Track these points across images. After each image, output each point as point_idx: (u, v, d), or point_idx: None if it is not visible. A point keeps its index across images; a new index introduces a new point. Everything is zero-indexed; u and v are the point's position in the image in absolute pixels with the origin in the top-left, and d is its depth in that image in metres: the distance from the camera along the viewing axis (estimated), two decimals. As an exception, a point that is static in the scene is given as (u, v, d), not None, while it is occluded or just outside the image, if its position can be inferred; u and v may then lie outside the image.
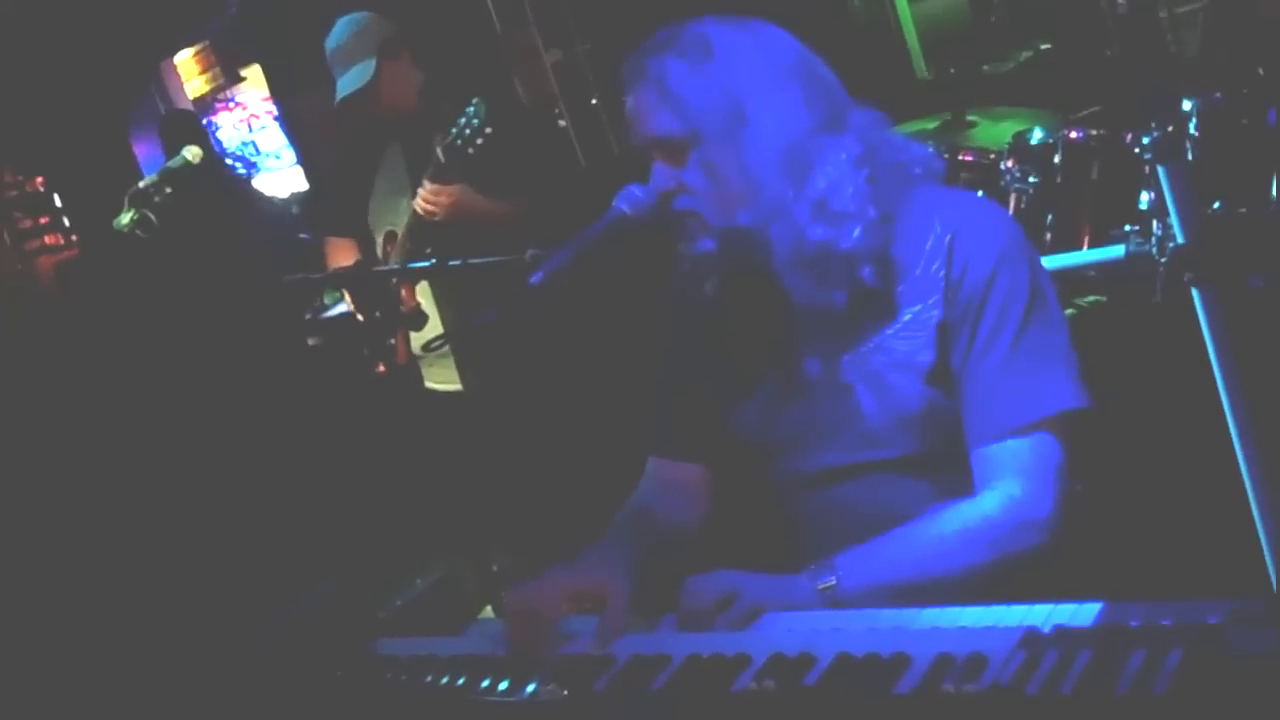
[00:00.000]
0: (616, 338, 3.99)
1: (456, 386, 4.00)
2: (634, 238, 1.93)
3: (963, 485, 1.82)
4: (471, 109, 3.48)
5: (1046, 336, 1.82)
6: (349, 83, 3.77)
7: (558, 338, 3.74)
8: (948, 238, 1.85)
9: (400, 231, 3.86)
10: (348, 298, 4.03)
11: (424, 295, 3.98)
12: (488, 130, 3.49)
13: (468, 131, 3.49)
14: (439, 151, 3.56)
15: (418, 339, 3.91)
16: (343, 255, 4.06)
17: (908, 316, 1.85)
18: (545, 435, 4.02)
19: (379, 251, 4.01)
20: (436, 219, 3.68)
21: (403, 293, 3.83)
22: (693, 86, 1.82)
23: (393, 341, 3.82)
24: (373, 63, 3.75)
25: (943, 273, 1.84)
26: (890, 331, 1.86)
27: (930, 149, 1.99)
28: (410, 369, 3.89)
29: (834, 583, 1.71)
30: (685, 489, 2.07)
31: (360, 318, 3.93)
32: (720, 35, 1.85)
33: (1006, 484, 1.78)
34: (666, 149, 1.86)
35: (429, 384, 4.00)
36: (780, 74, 1.84)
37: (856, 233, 1.82)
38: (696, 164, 1.84)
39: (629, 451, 2.29)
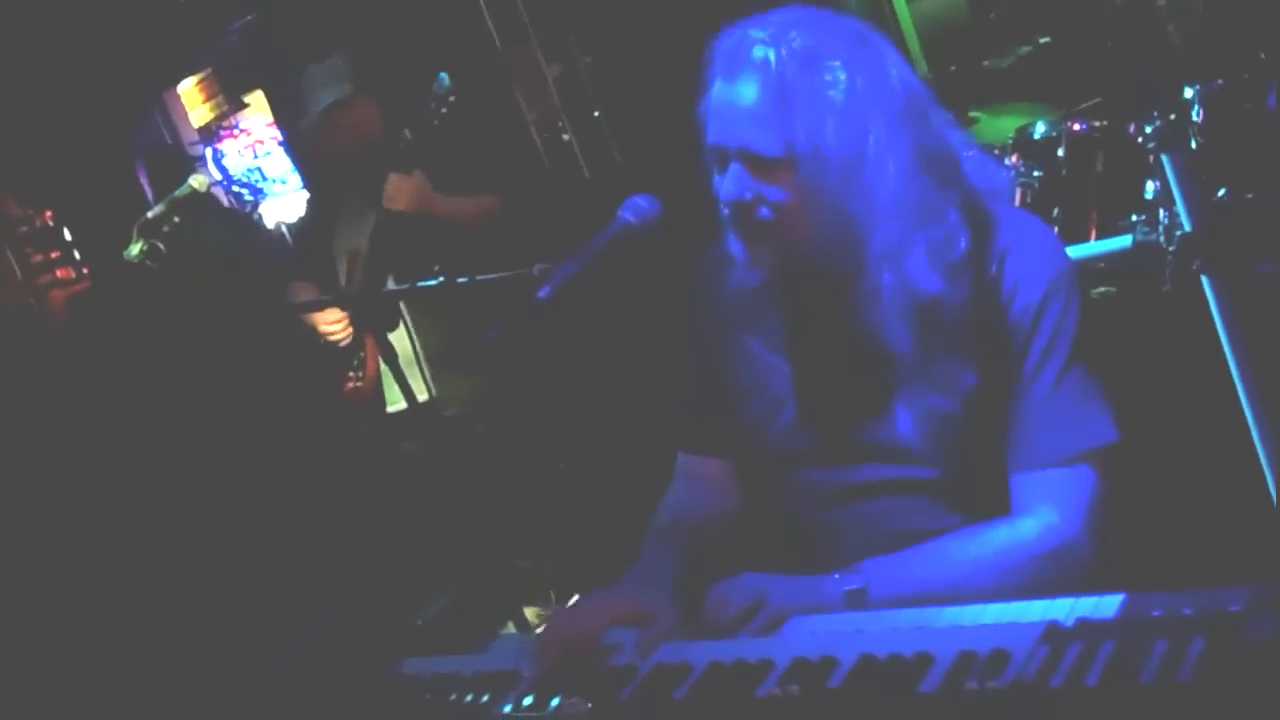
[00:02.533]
0: (626, 347, 4.00)
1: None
2: (640, 248, 1.92)
3: (990, 511, 1.81)
4: (437, 82, 3.53)
5: (1089, 370, 1.80)
6: (326, 97, 3.80)
7: (567, 349, 3.75)
8: (998, 260, 1.80)
9: (364, 249, 3.88)
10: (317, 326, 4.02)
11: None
12: (451, 99, 3.52)
13: (432, 104, 3.54)
14: (406, 131, 3.59)
15: None
16: (306, 297, 4.10)
17: (955, 337, 1.80)
18: (557, 446, 4.02)
19: (342, 278, 4.02)
20: (400, 210, 3.68)
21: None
22: (819, 111, 1.70)
23: (363, 354, 3.86)
24: (347, 86, 3.81)
25: (992, 295, 1.80)
26: (935, 350, 1.80)
27: (1005, 168, 1.92)
28: (377, 389, 3.91)
29: (862, 587, 1.70)
30: (716, 483, 2.05)
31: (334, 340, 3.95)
32: (851, 57, 1.72)
33: (1045, 512, 1.77)
34: (762, 163, 1.74)
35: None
36: (901, 110, 1.74)
37: (966, 289, 1.77)
38: (795, 188, 1.73)
39: (642, 460, 2.29)
